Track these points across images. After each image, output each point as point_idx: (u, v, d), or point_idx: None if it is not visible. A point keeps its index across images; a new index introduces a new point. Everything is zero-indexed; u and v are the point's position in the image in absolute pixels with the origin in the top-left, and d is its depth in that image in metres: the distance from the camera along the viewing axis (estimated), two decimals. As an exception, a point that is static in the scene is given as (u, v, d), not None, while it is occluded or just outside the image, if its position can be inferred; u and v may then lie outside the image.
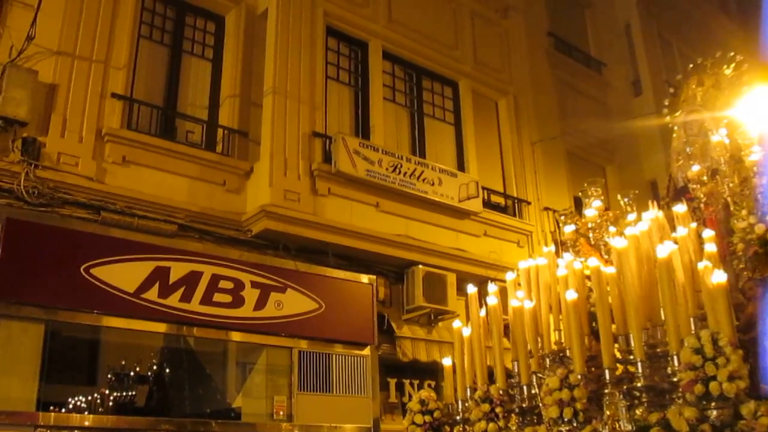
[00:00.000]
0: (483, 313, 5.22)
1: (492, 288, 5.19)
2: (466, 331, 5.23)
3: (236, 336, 8.22)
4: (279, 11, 9.40)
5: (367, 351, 8.99)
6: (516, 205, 11.54)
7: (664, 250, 4.13)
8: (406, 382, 9.58)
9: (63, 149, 7.55)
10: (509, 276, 5.45)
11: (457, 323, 5.47)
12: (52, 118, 7.58)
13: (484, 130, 11.71)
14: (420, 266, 9.51)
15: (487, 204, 10.96)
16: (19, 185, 7.07)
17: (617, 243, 4.46)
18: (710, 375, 3.55)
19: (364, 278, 9.23)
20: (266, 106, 8.97)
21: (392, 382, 9.53)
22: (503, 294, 5.29)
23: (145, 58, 8.80)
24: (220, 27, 9.61)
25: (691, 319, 3.98)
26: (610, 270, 4.48)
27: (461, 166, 10.96)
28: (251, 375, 8.69)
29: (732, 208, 5.14)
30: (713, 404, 3.55)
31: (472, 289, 5.40)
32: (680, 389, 3.72)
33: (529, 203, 11.61)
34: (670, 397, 3.90)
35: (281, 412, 8.22)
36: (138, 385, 9.76)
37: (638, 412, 3.94)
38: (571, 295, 4.45)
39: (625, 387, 4.06)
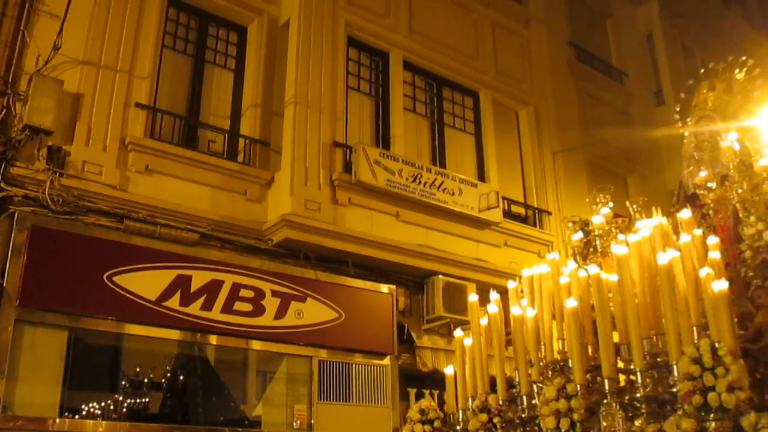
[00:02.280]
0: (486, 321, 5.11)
1: (494, 296, 5.08)
2: (468, 341, 5.13)
3: (256, 345, 8.24)
4: (301, 22, 9.46)
5: (387, 361, 8.99)
6: (537, 215, 11.49)
7: (665, 256, 4.03)
8: (426, 392, 9.53)
9: (87, 158, 7.64)
10: (511, 284, 5.29)
11: (458, 332, 5.36)
12: (77, 127, 7.68)
13: (504, 140, 11.69)
14: (440, 276, 9.49)
15: (508, 214, 10.92)
16: (44, 193, 7.15)
17: (618, 249, 4.36)
18: (709, 385, 3.43)
19: (384, 288, 9.23)
20: (287, 115, 9.02)
21: (412, 392, 9.50)
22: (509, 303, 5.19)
23: (168, 68, 8.89)
24: (243, 37, 9.69)
25: (694, 328, 3.87)
26: (614, 278, 4.38)
27: (482, 176, 10.94)
28: (271, 384, 8.72)
29: (741, 215, 5.03)
30: (712, 416, 3.43)
31: (473, 297, 5.33)
32: (679, 400, 3.61)
33: (549, 213, 11.55)
34: (672, 408, 3.78)
35: (301, 422, 8.23)
36: (156, 392, 9.82)
37: (637, 423, 3.85)
38: (571, 303, 4.37)
39: (627, 398, 3.97)
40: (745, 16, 18.94)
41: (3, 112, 7.23)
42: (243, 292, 8.03)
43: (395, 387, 8.94)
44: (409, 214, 9.61)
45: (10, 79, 7.40)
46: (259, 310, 8.08)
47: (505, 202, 10.95)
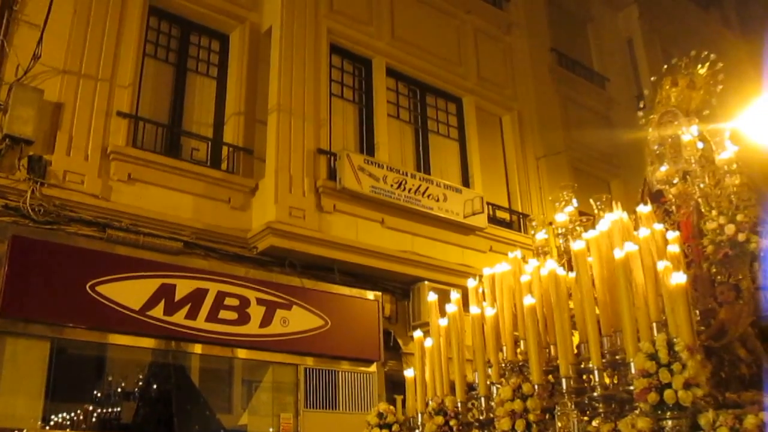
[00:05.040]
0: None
1: (454, 296, 5.02)
2: (429, 342, 5.05)
3: (242, 353, 8.18)
4: (283, 29, 9.45)
5: (373, 368, 8.96)
6: (521, 220, 11.52)
7: (621, 250, 3.93)
8: (413, 398, 9.50)
9: (69, 167, 7.57)
10: (471, 283, 5.16)
11: (418, 333, 5.25)
12: (58, 136, 7.62)
13: (488, 146, 11.73)
14: (426, 282, 9.47)
15: (493, 219, 10.94)
16: (25, 203, 7.09)
17: (575, 245, 4.29)
18: (665, 382, 3.33)
19: (370, 295, 9.20)
20: (271, 123, 8.99)
21: (399, 399, 9.36)
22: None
23: (150, 76, 8.85)
24: (225, 45, 9.66)
25: (654, 325, 3.74)
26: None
27: (466, 182, 10.97)
28: (257, 392, 8.66)
29: (703, 209, 5.00)
30: (669, 414, 3.33)
31: (432, 296, 5.25)
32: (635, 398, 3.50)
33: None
34: (630, 408, 3.68)
35: (287, 430, 8.17)
36: (140, 403, 9.74)
37: (594, 423, 3.77)
38: (528, 300, 4.30)
39: (587, 397, 3.89)
40: (723, 20, 19.16)
41: (-17, 122, 7.17)
42: (228, 301, 7.98)
43: (382, 394, 8.90)
44: (395, 220, 9.61)
45: (-11, 89, 7.34)
46: (244, 319, 8.03)
47: (490, 207, 10.96)
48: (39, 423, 6.67)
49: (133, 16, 8.58)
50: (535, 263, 4.87)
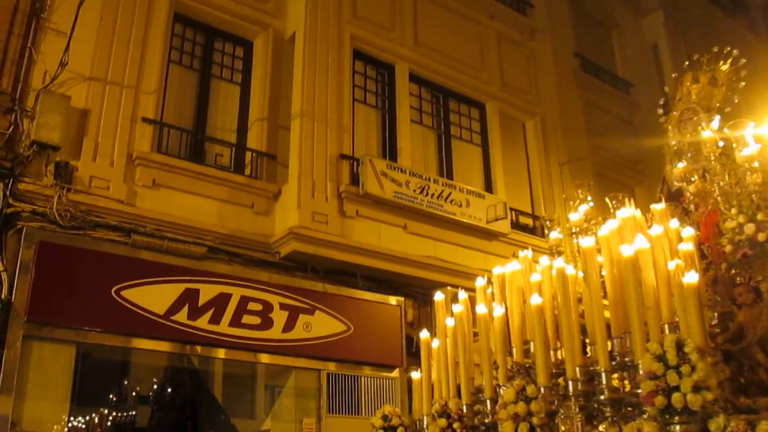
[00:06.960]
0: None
1: (461, 295, 4.88)
2: (435, 343, 4.93)
3: (265, 358, 8.23)
4: (306, 36, 9.49)
5: (395, 373, 8.94)
6: (544, 225, 11.44)
7: (630, 248, 3.74)
8: (436, 404, 9.45)
9: (95, 173, 7.65)
10: (479, 282, 4.99)
11: (424, 333, 5.11)
12: (84, 142, 7.70)
13: (511, 152, 11.67)
14: (448, 288, 9.42)
15: (516, 225, 10.88)
16: (52, 208, 7.16)
17: (585, 242, 4.14)
18: (673, 385, 3.14)
19: (393, 300, 9.20)
20: (294, 129, 9.03)
21: (421, 404, 9.41)
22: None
23: (174, 82, 8.92)
24: (249, 52, 9.72)
25: (666, 326, 3.58)
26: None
27: (489, 188, 10.92)
28: (280, 397, 8.67)
29: (722, 208, 4.85)
30: (677, 418, 3.14)
31: (439, 296, 5.12)
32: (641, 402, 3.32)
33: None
34: (640, 412, 3.49)
35: (310, 435, 8.18)
36: (163, 407, 9.79)
37: (601, 428, 3.62)
38: (536, 300, 4.16)
39: (594, 401, 3.73)
40: (750, 26, 18.95)
41: (11, 129, 7.26)
42: (251, 306, 8.01)
43: (404, 399, 8.86)
44: (417, 225, 9.59)
45: (17, 96, 7.44)
46: (267, 324, 8.05)
47: (513, 213, 10.91)
48: (63, 426, 6.72)
49: (159, 23, 8.66)
50: (546, 262, 4.69)
